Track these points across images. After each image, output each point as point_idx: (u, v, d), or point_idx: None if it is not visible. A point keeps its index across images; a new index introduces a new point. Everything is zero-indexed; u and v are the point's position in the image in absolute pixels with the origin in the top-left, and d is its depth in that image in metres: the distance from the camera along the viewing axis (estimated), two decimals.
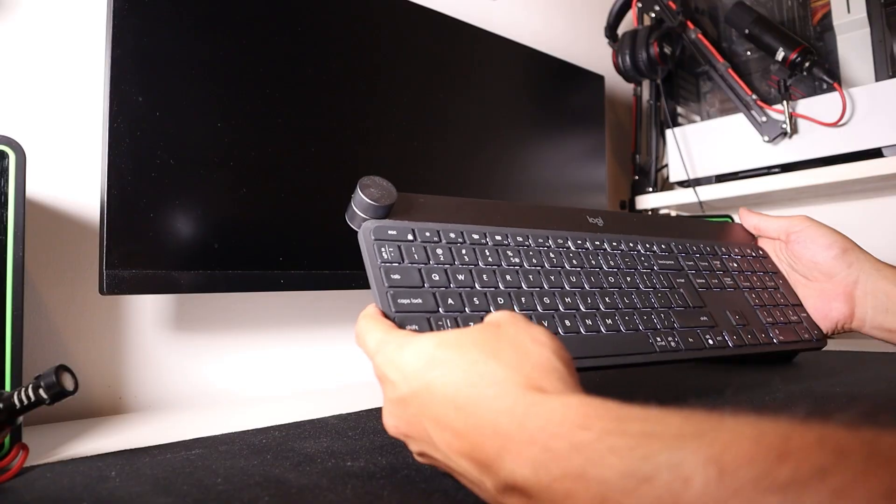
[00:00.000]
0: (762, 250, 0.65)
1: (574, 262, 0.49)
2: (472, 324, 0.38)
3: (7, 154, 0.41)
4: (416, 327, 0.38)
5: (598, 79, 1.06)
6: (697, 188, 1.08)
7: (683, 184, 1.11)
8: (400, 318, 0.37)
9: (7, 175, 0.41)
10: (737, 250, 0.62)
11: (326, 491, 0.34)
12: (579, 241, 0.51)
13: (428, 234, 0.43)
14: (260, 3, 0.64)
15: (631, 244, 0.55)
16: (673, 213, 1.21)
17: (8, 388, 0.40)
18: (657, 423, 0.22)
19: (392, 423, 0.33)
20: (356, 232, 0.42)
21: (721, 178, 1.08)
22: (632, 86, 1.23)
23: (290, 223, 0.65)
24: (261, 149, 0.62)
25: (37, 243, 0.60)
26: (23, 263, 0.41)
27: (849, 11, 0.94)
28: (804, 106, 0.96)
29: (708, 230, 0.64)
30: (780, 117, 0.97)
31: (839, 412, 0.48)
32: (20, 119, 0.60)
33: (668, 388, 0.61)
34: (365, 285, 0.69)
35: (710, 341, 0.50)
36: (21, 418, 0.36)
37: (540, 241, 0.49)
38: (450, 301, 0.40)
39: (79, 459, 0.42)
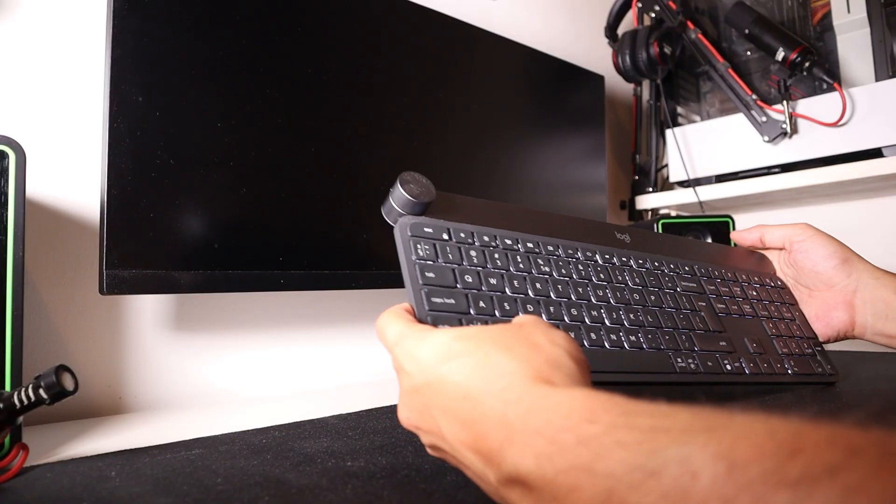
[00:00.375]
0: (781, 281, 0.65)
1: (601, 276, 0.49)
2: None
3: (7, 154, 0.41)
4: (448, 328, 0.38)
5: (598, 79, 1.06)
6: (697, 188, 1.08)
7: (683, 184, 1.11)
8: (433, 318, 0.37)
9: (7, 175, 0.41)
10: (757, 279, 0.62)
11: (326, 491, 0.34)
12: (607, 256, 0.51)
13: (463, 234, 0.43)
14: (260, 3, 0.64)
15: (656, 263, 0.55)
16: (673, 213, 1.21)
17: (8, 388, 0.40)
18: (665, 417, 0.22)
19: (405, 415, 0.33)
20: (391, 226, 0.42)
21: (721, 178, 1.08)
22: (632, 86, 1.23)
23: (290, 223, 0.65)
24: (261, 149, 0.62)
25: (37, 243, 0.60)
26: (23, 263, 0.41)
27: (849, 11, 0.94)
28: (804, 106, 0.96)
29: (730, 256, 0.65)
30: (780, 117, 0.97)
31: (846, 411, 0.48)
32: (20, 119, 0.60)
33: (676, 387, 0.61)
34: (365, 285, 0.69)
35: (728, 366, 0.51)
36: (21, 418, 0.36)
37: (570, 251, 0.49)
38: (481, 304, 0.40)
39: (79, 459, 0.42)
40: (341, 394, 0.70)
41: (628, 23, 1.14)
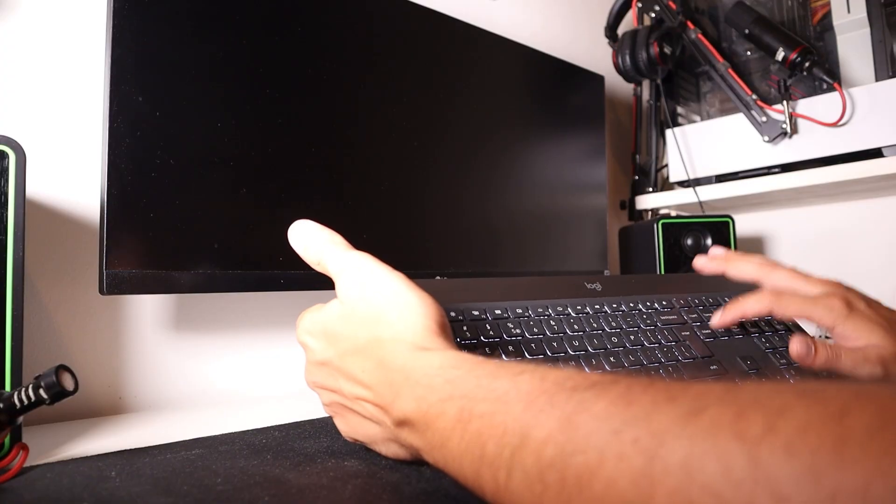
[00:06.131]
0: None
1: (575, 327, 0.51)
2: None
3: (7, 154, 0.41)
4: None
5: (598, 79, 1.06)
6: (697, 188, 1.08)
7: (683, 184, 1.11)
8: None
9: (7, 175, 0.41)
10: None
11: (326, 491, 0.34)
12: (579, 307, 0.53)
13: None
14: (260, 3, 0.64)
15: (632, 304, 0.56)
16: (673, 213, 1.21)
17: (8, 388, 0.40)
18: (509, 365, 0.31)
19: (311, 380, 0.41)
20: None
21: (721, 178, 1.08)
22: (632, 86, 1.23)
23: (291, 223, 0.64)
24: (261, 149, 0.62)
25: (37, 243, 0.60)
26: (23, 263, 0.41)
27: (849, 11, 0.93)
28: (804, 106, 0.96)
29: (710, 282, 0.64)
30: (780, 117, 0.97)
31: None
32: (20, 119, 0.60)
33: None
34: None
35: None
36: (21, 418, 0.36)
37: (539, 310, 0.51)
38: None
39: (79, 459, 0.42)
40: None
41: (628, 23, 1.14)
